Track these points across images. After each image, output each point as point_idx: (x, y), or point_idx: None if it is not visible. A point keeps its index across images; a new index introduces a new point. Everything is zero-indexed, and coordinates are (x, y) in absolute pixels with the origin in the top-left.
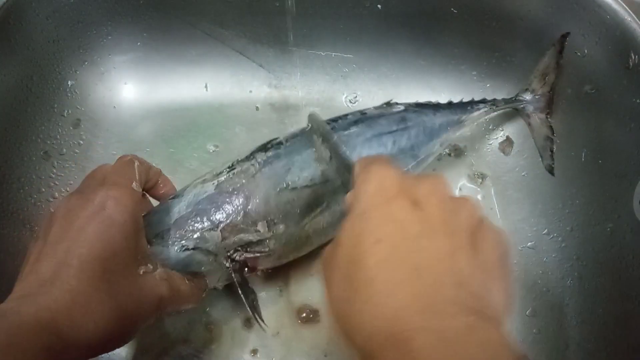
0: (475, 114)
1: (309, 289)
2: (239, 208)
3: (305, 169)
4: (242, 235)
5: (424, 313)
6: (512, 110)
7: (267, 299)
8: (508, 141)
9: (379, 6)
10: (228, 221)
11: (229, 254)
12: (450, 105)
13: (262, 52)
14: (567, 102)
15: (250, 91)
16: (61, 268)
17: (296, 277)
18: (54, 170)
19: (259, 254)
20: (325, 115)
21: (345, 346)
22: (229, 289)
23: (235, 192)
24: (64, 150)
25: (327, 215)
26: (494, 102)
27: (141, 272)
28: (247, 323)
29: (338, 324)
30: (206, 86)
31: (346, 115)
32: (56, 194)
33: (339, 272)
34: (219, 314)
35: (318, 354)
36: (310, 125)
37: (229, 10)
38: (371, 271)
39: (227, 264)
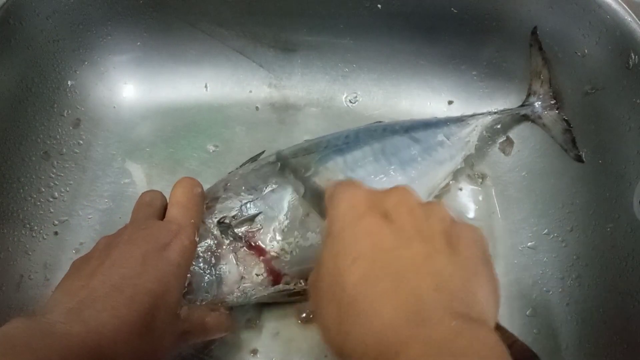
0: (480, 119)
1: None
2: (219, 186)
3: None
4: (225, 203)
5: (409, 324)
6: (522, 118)
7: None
8: (508, 141)
9: (379, 6)
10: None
11: (217, 220)
12: (449, 118)
13: (262, 52)
14: (567, 102)
15: (250, 91)
16: (114, 293)
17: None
18: (54, 170)
19: (248, 223)
20: (325, 116)
21: None
22: None
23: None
24: (64, 150)
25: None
26: (499, 112)
27: (179, 313)
28: (247, 323)
29: (331, 348)
30: (206, 86)
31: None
32: (56, 194)
33: (324, 296)
34: None
35: (318, 354)
36: (279, 163)
37: (229, 10)
38: (353, 290)
39: (215, 230)
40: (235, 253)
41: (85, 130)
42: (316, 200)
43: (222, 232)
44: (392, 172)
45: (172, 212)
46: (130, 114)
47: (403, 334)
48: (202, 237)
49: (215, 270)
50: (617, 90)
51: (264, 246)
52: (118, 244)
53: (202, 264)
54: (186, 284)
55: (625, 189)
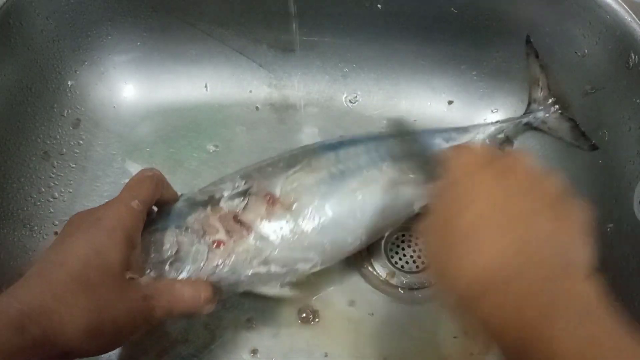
0: (482, 128)
1: (309, 289)
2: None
3: None
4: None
5: (518, 258)
6: (526, 126)
7: (267, 298)
8: (508, 141)
9: (379, 6)
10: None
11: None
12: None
13: (262, 52)
14: (567, 102)
15: (250, 91)
16: (45, 266)
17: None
18: (54, 170)
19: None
20: (325, 116)
21: (445, 298)
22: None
23: None
24: (64, 150)
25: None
26: (502, 122)
27: (127, 277)
28: (247, 323)
29: (438, 279)
30: (206, 86)
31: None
32: (56, 194)
33: (436, 233)
34: (219, 314)
35: (318, 354)
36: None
37: (229, 10)
38: (465, 228)
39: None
40: (223, 226)
41: (85, 130)
42: (423, 163)
43: (211, 207)
44: (384, 167)
45: (119, 194)
46: (130, 114)
47: (511, 268)
48: (192, 208)
49: (201, 240)
50: (617, 90)
51: (250, 223)
52: (59, 233)
53: (188, 234)
54: (172, 252)
55: (625, 189)
